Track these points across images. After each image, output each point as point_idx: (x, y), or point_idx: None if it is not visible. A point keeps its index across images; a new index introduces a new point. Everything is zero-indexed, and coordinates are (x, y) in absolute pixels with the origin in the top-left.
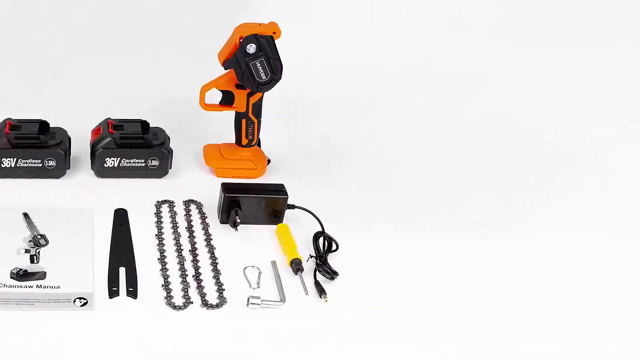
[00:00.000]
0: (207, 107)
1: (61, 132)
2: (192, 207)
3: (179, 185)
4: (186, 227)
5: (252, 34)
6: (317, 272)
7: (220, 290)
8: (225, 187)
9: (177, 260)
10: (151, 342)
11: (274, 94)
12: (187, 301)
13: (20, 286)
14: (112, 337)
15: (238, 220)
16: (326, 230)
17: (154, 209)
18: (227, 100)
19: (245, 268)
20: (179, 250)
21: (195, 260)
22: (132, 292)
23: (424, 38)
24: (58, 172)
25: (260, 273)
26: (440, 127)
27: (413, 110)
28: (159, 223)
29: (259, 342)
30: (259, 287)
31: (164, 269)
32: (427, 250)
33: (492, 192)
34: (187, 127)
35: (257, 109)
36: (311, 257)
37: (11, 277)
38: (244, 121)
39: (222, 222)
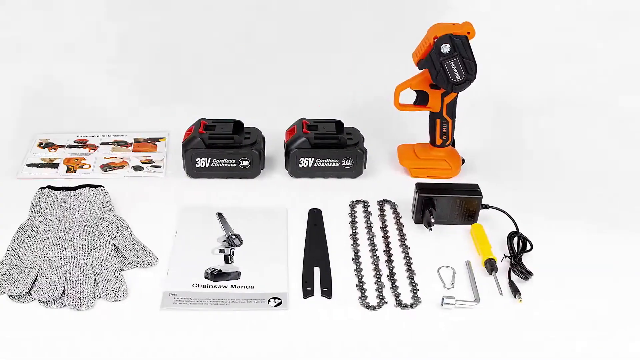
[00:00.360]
0: (402, 107)
1: (255, 132)
2: (387, 207)
3: (373, 185)
4: (380, 227)
5: (447, 34)
6: (512, 272)
7: (414, 290)
8: (420, 187)
9: (371, 260)
10: (345, 342)
11: (468, 94)
12: (382, 301)
13: (215, 286)
14: (306, 337)
15: (432, 220)
16: (520, 230)
17: (348, 209)
18: (422, 100)
19: (440, 268)
20: (373, 250)
21: (389, 260)
22: (327, 292)
23: (623, 36)
24: (252, 172)
25: (454, 273)
26: (635, 127)
27: (608, 110)
28: (353, 223)
29: (453, 341)
30: (453, 287)
31: (358, 269)
32: (624, 251)
33: None
34: (381, 127)
35: (452, 108)
36: (505, 257)
37: (205, 277)
38: (438, 121)
39: (417, 222)
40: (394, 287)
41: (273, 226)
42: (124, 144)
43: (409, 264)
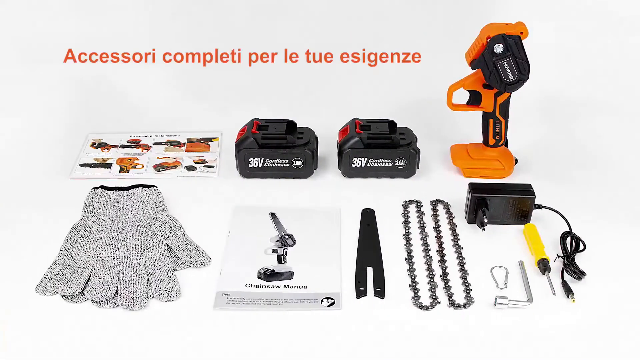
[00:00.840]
0: (455, 107)
1: (308, 132)
2: (440, 207)
3: (426, 185)
4: (433, 227)
5: (500, 34)
6: (565, 272)
7: (467, 290)
8: (473, 187)
9: (424, 260)
10: (398, 342)
11: (521, 94)
12: (435, 301)
13: (268, 286)
14: (359, 337)
15: (485, 220)
16: (573, 230)
17: (401, 209)
18: (475, 100)
19: (493, 268)
20: (426, 250)
21: (442, 260)
22: (380, 292)
23: None
24: (305, 172)
25: (507, 273)
26: None
27: None
28: (406, 223)
29: (506, 341)
30: (506, 287)
31: (411, 269)
32: None
33: None
34: (434, 127)
35: (505, 109)
36: (558, 257)
37: (258, 277)
38: (491, 121)
39: (470, 222)
40: (447, 287)
41: (326, 226)
42: (177, 144)
43: (462, 264)
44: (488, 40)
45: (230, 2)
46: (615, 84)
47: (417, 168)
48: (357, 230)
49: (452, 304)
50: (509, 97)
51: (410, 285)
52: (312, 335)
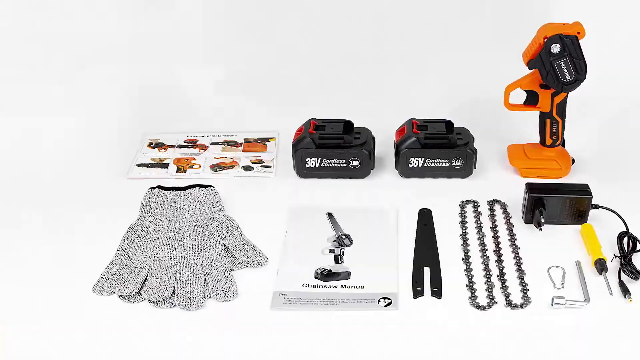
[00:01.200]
0: (512, 107)
1: (365, 132)
2: (497, 207)
3: (483, 185)
4: (490, 227)
5: (557, 34)
6: (622, 272)
7: (524, 290)
8: (530, 187)
9: (481, 260)
10: (455, 342)
11: (578, 94)
12: (492, 301)
13: (325, 286)
14: (416, 337)
15: (542, 220)
16: (630, 230)
17: (458, 209)
18: (532, 100)
19: (550, 268)
20: (483, 250)
21: (499, 260)
22: (437, 292)
23: None
24: (362, 172)
25: (564, 273)
26: None
27: None
28: (463, 223)
29: (563, 341)
30: (563, 287)
31: (468, 269)
32: None
33: None
34: (491, 127)
35: (562, 109)
36: (615, 257)
37: (315, 277)
38: (548, 121)
39: (527, 222)
40: (504, 287)
41: (383, 226)
42: (234, 144)
43: (519, 264)
44: (545, 40)
45: (287, 2)
46: None
47: (474, 168)
48: (414, 230)
49: (509, 304)
50: (566, 96)
51: (467, 285)
52: (368, 336)
